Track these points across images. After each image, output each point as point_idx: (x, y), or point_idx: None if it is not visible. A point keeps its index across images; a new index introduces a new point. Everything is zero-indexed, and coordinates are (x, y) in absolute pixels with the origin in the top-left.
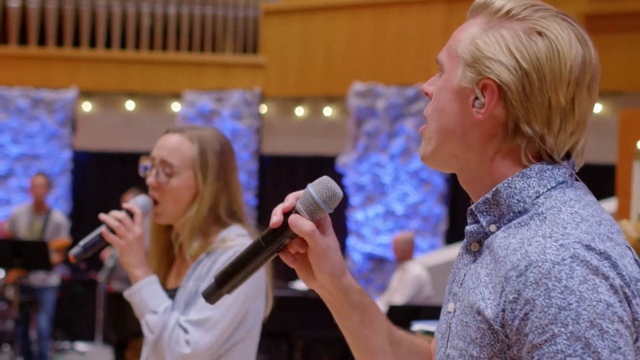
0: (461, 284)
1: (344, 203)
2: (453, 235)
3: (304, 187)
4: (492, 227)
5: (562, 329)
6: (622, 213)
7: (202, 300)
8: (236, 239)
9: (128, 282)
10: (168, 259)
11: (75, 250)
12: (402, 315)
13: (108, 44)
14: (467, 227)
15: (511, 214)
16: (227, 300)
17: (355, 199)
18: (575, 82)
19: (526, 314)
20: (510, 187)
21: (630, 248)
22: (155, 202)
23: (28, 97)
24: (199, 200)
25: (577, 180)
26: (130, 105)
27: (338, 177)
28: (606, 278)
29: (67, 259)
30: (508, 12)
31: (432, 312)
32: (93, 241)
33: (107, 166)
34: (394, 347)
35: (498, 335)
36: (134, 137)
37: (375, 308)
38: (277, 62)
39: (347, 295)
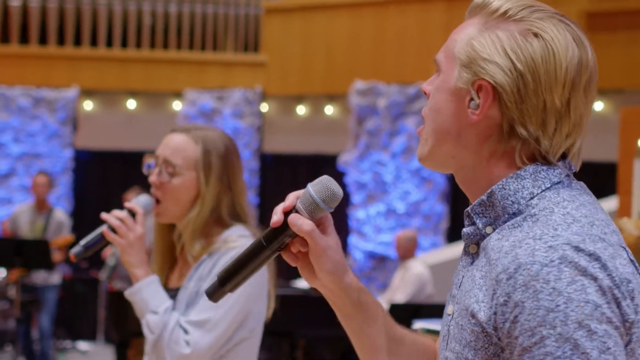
0: (459, 286)
1: (346, 201)
2: (454, 233)
3: (305, 185)
4: (488, 229)
5: (551, 331)
6: (624, 211)
7: (202, 301)
8: (238, 240)
9: (129, 281)
10: (171, 258)
11: (76, 249)
12: (404, 314)
13: (109, 43)
14: (464, 230)
15: (506, 216)
16: (228, 301)
17: (356, 198)
18: (570, 83)
19: (516, 317)
20: (505, 189)
21: (625, 248)
22: (157, 201)
23: (29, 96)
24: (200, 202)
25: (576, 180)
26: (131, 104)
27: (339, 176)
28: (595, 279)
29: (69, 258)
30: (505, 12)
31: (433, 311)
32: (94, 240)
33: (109, 165)
34: (397, 346)
35: (491, 338)
36: (135, 135)
37: (378, 306)
38: (278, 60)
39: (348, 294)
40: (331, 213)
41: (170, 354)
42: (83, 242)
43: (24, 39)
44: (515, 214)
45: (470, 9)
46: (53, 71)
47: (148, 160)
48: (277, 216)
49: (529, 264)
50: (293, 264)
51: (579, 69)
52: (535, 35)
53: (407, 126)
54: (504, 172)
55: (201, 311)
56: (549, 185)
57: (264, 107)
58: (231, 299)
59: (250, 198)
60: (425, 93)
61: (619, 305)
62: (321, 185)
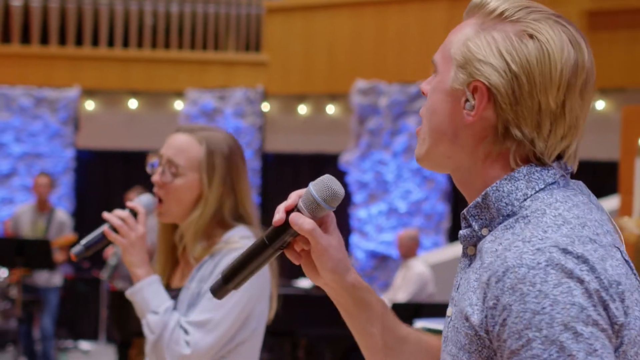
0: (457, 288)
1: (347, 201)
2: (456, 233)
3: (306, 185)
4: (484, 231)
5: (537, 334)
6: (625, 210)
7: (204, 302)
8: (240, 241)
9: (131, 280)
10: (174, 257)
11: (76, 248)
12: (405, 313)
13: (110, 43)
14: (460, 232)
15: (500, 218)
16: (230, 302)
17: (358, 197)
18: (566, 85)
19: (504, 320)
20: (499, 191)
21: (619, 248)
22: (160, 201)
23: (31, 96)
24: (203, 203)
25: (574, 179)
26: (133, 103)
27: (341, 175)
28: (581, 282)
29: (71, 257)
30: (502, 13)
31: (434, 310)
32: (95, 240)
33: (110, 165)
34: (401, 344)
35: (484, 341)
36: (136, 135)
37: (382, 305)
38: (279, 60)
39: (351, 293)
40: (333, 212)
41: (170, 354)
42: (84, 241)
43: (26, 38)
44: (509, 216)
45: (468, 10)
46: (54, 71)
47: (152, 159)
48: (279, 215)
49: (516, 266)
50: (296, 262)
51: (575, 70)
52: (531, 36)
53: (408, 125)
54: (498, 173)
55: (202, 312)
56: (542, 187)
57: (266, 107)
58: (232, 300)
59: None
60: (423, 93)
61: (606, 307)
62: (322, 185)
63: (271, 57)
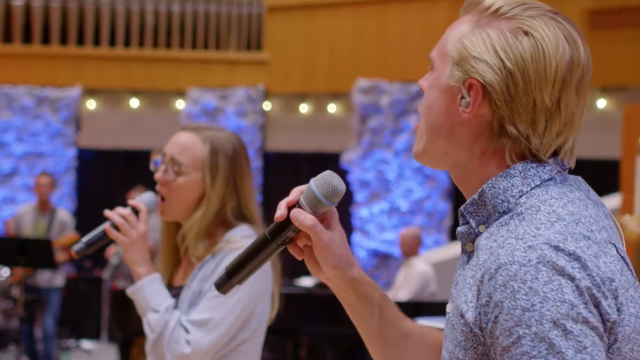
0: (456, 285)
1: (349, 200)
2: None
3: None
4: (482, 228)
5: (527, 330)
6: (626, 208)
7: (205, 301)
8: (242, 240)
9: (132, 279)
10: (177, 255)
11: (77, 246)
12: (407, 312)
13: (112, 42)
14: (458, 229)
15: (496, 214)
16: (231, 301)
17: (359, 196)
18: (561, 82)
19: (496, 317)
20: (494, 188)
21: (615, 245)
22: (162, 199)
23: (32, 96)
24: (206, 203)
25: (573, 175)
26: (134, 103)
27: (342, 174)
28: (572, 279)
29: (73, 256)
30: (497, 10)
31: (436, 309)
32: (96, 237)
33: (112, 164)
34: (405, 339)
35: (479, 338)
36: (138, 134)
37: (386, 300)
38: (281, 59)
39: (354, 288)
40: (335, 208)
41: (170, 353)
42: (85, 239)
43: (27, 38)
44: (505, 213)
45: (464, 6)
46: (56, 70)
47: (155, 157)
48: (280, 211)
49: (508, 264)
50: (299, 258)
51: (570, 66)
52: (526, 33)
53: (410, 124)
54: (494, 170)
55: (203, 311)
56: (538, 183)
57: (267, 106)
58: (234, 299)
59: None
60: (422, 89)
61: (598, 305)
62: (323, 181)
63: (272, 56)
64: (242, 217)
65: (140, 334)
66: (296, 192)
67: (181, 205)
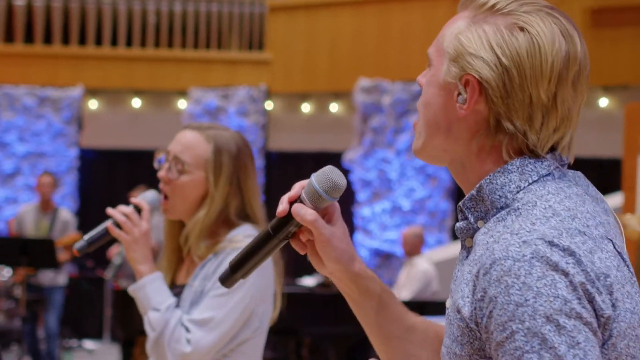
0: (454, 281)
1: (351, 199)
2: None
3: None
4: (480, 224)
5: (520, 326)
6: (628, 207)
7: (206, 300)
8: (244, 240)
9: (135, 279)
10: (181, 254)
11: (79, 243)
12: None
13: (114, 42)
14: (457, 224)
15: (494, 210)
16: (232, 301)
17: (361, 195)
18: (557, 78)
19: (490, 312)
20: (492, 183)
21: (611, 240)
22: (165, 197)
23: (34, 96)
24: (209, 202)
25: (572, 170)
26: (136, 102)
27: (344, 173)
28: (566, 274)
29: (75, 256)
30: (493, 6)
31: (438, 308)
32: (98, 235)
33: (114, 164)
34: (409, 334)
35: (475, 333)
36: (140, 134)
37: (389, 295)
38: (282, 58)
39: (356, 282)
40: (337, 202)
41: (171, 352)
42: (87, 236)
43: (29, 38)
44: (502, 208)
45: (462, 2)
46: (58, 70)
47: (159, 155)
48: (282, 206)
49: (502, 259)
50: (301, 252)
51: (566, 62)
52: (522, 29)
53: (411, 123)
54: (492, 166)
55: (204, 310)
56: (536, 178)
57: (269, 105)
58: (235, 299)
59: None
60: (420, 85)
61: (592, 300)
62: (323, 176)
63: (274, 56)
64: (246, 216)
65: (143, 333)
66: (298, 187)
67: (184, 204)
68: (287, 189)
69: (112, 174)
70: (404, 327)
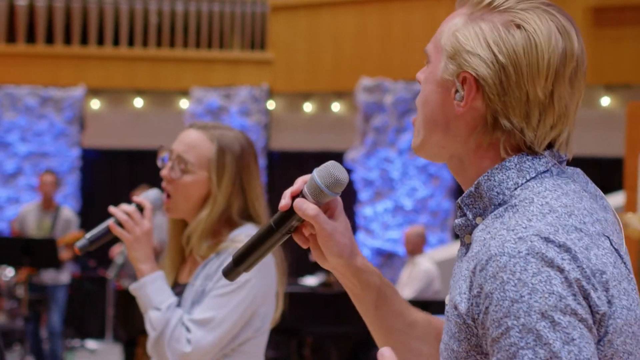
0: (453, 277)
1: (353, 199)
2: None
3: None
4: (478, 220)
5: (515, 322)
6: (630, 206)
7: (207, 300)
8: (246, 240)
9: (137, 279)
10: (184, 252)
11: (80, 242)
12: None
13: (116, 42)
14: (455, 221)
15: (492, 207)
16: (233, 301)
17: (363, 195)
18: (554, 75)
19: (486, 308)
20: (490, 180)
21: (608, 237)
22: (168, 196)
23: (36, 96)
24: (212, 202)
25: (572, 167)
26: (138, 102)
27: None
28: (561, 271)
29: (77, 254)
30: (490, 3)
31: (441, 307)
32: (99, 234)
33: (116, 163)
34: (410, 328)
35: (472, 329)
36: (142, 134)
37: (391, 289)
38: (284, 58)
39: (358, 277)
40: (339, 197)
41: (171, 352)
42: (88, 235)
43: (31, 38)
44: (500, 205)
45: None
46: (60, 70)
47: (162, 154)
48: (285, 200)
49: (498, 255)
50: (304, 246)
51: (563, 59)
52: (518, 26)
53: None
54: (490, 163)
55: (205, 310)
56: (534, 175)
57: (271, 105)
58: (236, 299)
59: None
60: (419, 82)
61: (587, 297)
62: (325, 171)
63: (276, 55)
64: (248, 216)
65: (145, 333)
66: (300, 182)
67: (187, 203)
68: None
69: (114, 174)
70: (406, 321)
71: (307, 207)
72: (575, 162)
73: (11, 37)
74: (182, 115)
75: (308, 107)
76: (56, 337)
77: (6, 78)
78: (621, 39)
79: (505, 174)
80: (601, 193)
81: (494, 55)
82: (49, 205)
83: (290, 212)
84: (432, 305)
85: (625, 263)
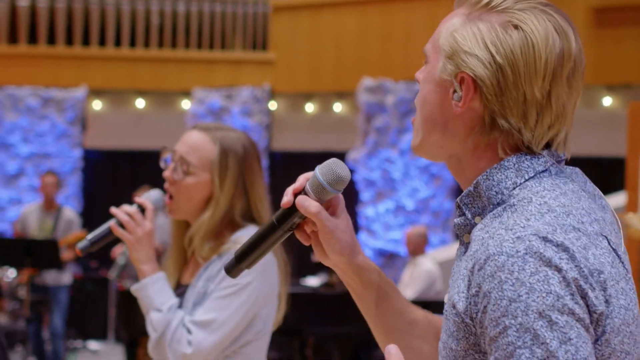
0: (452, 276)
1: (354, 199)
2: None
3: None
4: (477, 219)
5: (512, 321)
6: (631, 206)
7: (209, 301)
8: None
9: (138, 279)
10: (186, 253)
11: (82, 243)
12: None
13: (117, 43)
14: (455, 220)
15: (491, 206)
16: (235, 303)
17: (365, 195)
18: (551, 75)
19: (484, 307)
20: (489, 179)
21: (606, 237)
22: (170, 197)
23: (38, 96)
24: (214, 204)
25: (571, 167)
26: (140, 103)
27: None
28: (559, 270)
29: (78, 255)
30: (488, 3)
31: (442, 308)
32: (101, 235)
33: (118, 164)
34: (411, 327)
35: (470, 328)
36: (144, 135)
37: (392, 288)
38: (286, 58)
39: (359, 275)
40: (341, 195)
41: (172, 353)
42: (90, 236)
43: (33, 39)
44: (499, 204)
45: None
46: (62, 71)
47: (165, 155)
48: (287, 197)
49: (496, 254)
50: (306, 243)
51: (561, 59)
52: (515, 27)
53: None
54: (488, 163)
55: (207, 311)
56: (532, 175)
57: (273, 105)
58: (238, 301)
59: None
60: (418, 81)
61: (585, 296)
62: (327, 169)
63: (278, 56)
64: (251, 218)
65: (146, 334)
66: (302, 179)
67: (189, 205)
68: None
69: (116, 175)
70: (407, 320)
71: (309, 204)
72: (577, 162)
73: (13, 38)
74: (184, 115)
75: (310, 107)
76: (58, 338)
77: (8, 79)
78: (622, 39)
79: (503, 174)
80: (600, 192)
81: (492, 55)
82: (50, 206)
83: (293, 209)
84: (434, 306)
85: (623, 263)
